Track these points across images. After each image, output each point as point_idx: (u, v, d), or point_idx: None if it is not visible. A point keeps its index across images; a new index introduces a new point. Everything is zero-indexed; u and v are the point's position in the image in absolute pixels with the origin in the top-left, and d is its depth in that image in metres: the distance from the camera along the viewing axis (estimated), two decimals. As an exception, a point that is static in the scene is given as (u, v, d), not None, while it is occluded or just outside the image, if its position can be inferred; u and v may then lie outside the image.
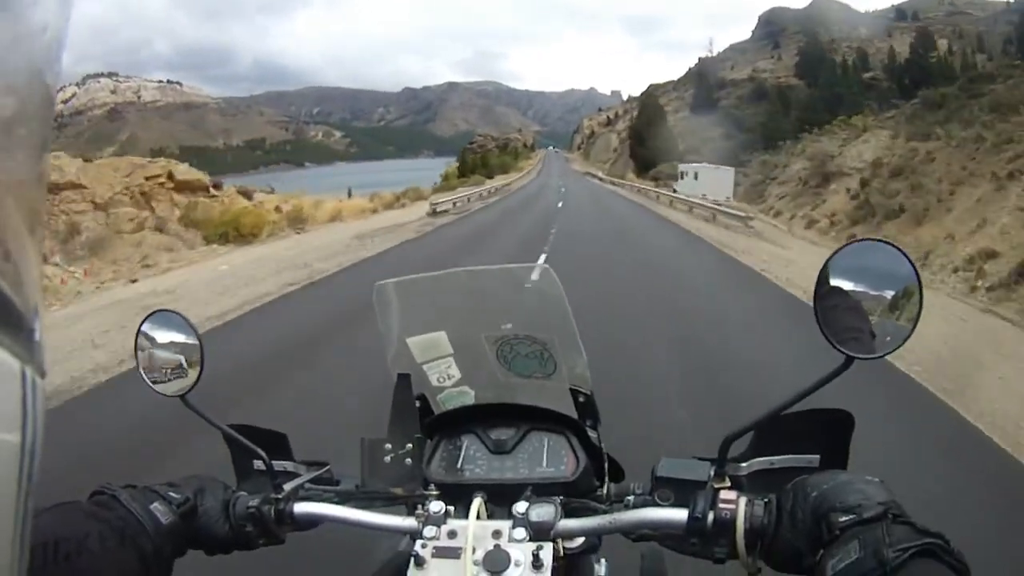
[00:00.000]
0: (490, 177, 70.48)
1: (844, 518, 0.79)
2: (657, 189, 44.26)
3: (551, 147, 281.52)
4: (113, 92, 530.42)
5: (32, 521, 0.35)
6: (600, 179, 74.42)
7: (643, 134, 75.96)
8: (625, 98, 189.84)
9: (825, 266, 0.94)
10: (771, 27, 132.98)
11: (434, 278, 1.26)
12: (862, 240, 0.96)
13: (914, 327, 0.90)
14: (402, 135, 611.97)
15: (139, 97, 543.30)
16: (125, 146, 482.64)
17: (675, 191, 40.41)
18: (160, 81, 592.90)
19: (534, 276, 1.20)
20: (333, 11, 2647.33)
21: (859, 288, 0.92)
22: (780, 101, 68.10)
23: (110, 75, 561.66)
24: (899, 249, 0.92)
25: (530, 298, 1.22)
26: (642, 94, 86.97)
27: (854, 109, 55.98)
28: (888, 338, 0.91)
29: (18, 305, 0.34)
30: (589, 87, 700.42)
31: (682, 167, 51.53)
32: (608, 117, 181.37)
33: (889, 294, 0.91)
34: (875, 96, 66.34)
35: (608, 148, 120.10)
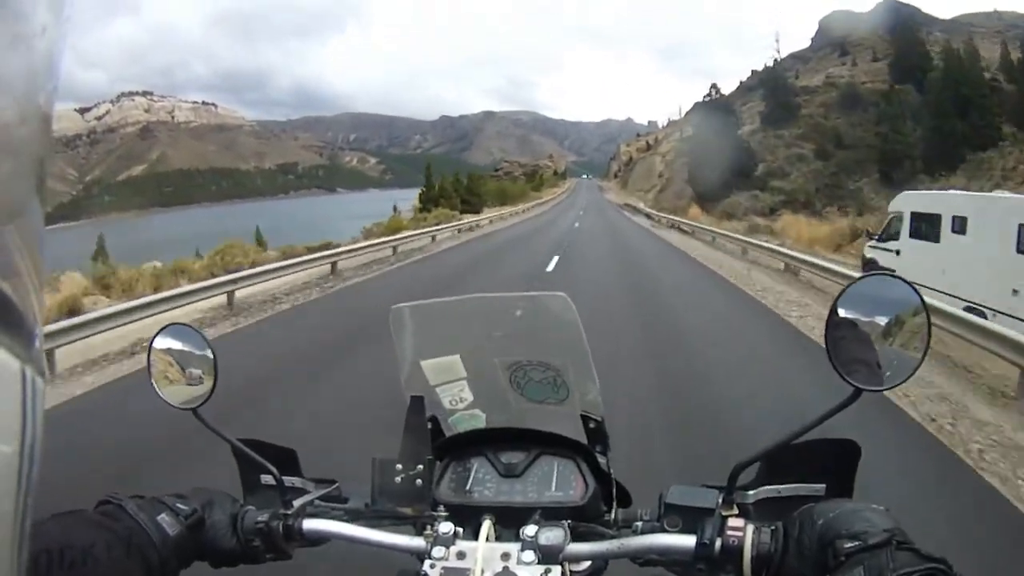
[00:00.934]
0: (473, 210, 50.18)
1: (849, 544, 0.80)
2: (767, 244, 21.23)
3: (584, 176, 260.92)
4: (147, 111, 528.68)
5: (37, 528, 0.35)
6: (646, 215, 48.25)
7: (705, 152, 54.06)
8: (663, 124, 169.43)
9: (836, 299, 0.95)
10: (831, 35, 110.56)
11: (450, 303, 1.27)
12: (873, 274, 0.98)
13: (922, 359, 0.91)
14: (437, 163, 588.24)
15: (173, 117, 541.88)
16: (155, 164, 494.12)
17: (878, 266, 14.20)
18: (195, 102, 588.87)
19: (552, 304, 1.20)
20: (368, 37, 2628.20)
21: (869, 320, 0.94)
22: (892, 107, 47.20)
23: (144, 94, 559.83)
24: (908, 283, 0.93)
25: (545, 324, 1.22)
26: (704, 97, 61.96)
27: (988, 115, 43.66)
28: (895, 370, 0.93)
29: (18, 305, 0.34)
30: (626, 117, 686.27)
31: (903, 204, 14.77)
32: (647, 142, 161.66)
33: (898, 326, 0.93)
34: (1000, 100, 46.07)
35: (651, 174, 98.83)
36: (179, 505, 1.02)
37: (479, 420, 1.31)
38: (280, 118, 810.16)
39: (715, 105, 58.84)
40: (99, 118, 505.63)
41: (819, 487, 1.06)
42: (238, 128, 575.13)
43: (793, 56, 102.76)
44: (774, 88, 56.08)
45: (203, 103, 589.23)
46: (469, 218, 40.17)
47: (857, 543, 0.80)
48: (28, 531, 0.35)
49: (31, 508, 0.35)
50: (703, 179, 49.07)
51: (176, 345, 1.20)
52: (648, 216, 46.35)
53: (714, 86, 60.39)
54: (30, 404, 0.35)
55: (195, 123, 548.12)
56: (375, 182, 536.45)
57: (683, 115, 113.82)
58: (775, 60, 67.55)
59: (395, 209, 46.68)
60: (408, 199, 64.93)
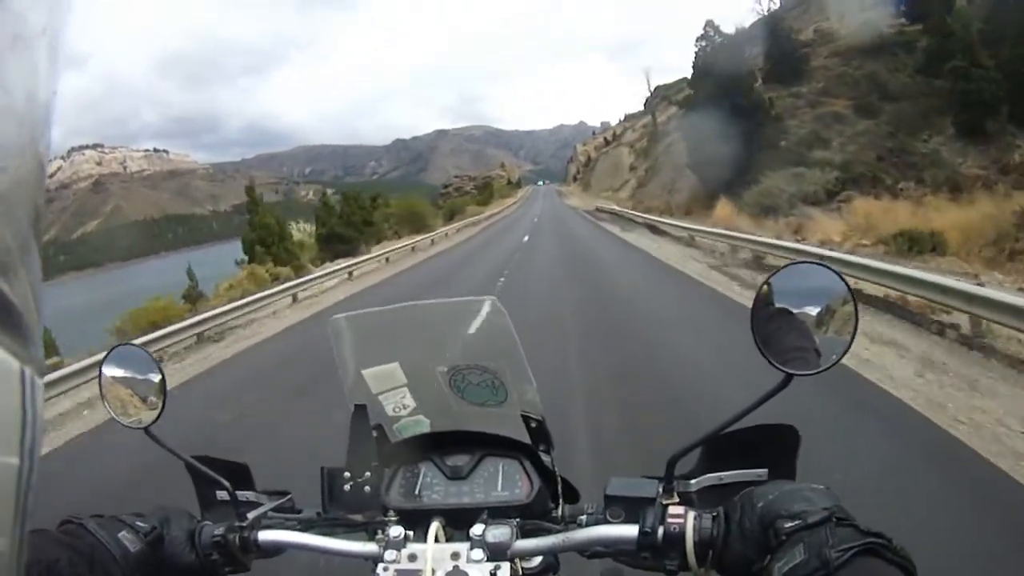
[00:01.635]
0: (367, 248, 32.93)
1: (789, 524, 0.81)
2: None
3: (540, 182, 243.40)
4: (99, 164, 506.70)
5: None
6: (631, 224, 31.87)
7: (711, 120, 34.96)
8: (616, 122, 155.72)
9: (762, 287, 0.96)
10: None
11: (386, 312, 1.27)
12: (799, 262, 0.99)
13: (850, 343, 0.92)
14: (394, 188, 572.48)
15: (125, 167, 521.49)
16: (109, 218, 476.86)
17: None
18: (147, 150, 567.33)
19: (484, 308, 1.21)
20: (315, 70, 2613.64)
21: (796, 307, 0.94)
22: (949, 39, 33.18)
23: (95, 147, 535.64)
24: (833, 270, 0.94)
25: (480, 329, 1.22)
26: (699, 43, 41.39)
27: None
28: (824, 355, 0.93)
29: (18, 305, 0.33)
30: (578, 120, 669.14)
31: None
32: (605, 138, 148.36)
33: (825, 313, 0.94)
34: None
35: (619, 169, 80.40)
36: (138, 523, 1.03)
37: (423, 425, 1.31)
38: (235, 158, 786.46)
39: (720, 51, 41.57)
40: (51, 175, 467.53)
41: (761, 472, 1.08)
42: (191, 173, 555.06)
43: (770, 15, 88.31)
44: (776, 38, 41.08)
45: (154, 150, 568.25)
46: (327, 269, 23.59)
47: (797, 522, 0.80)
48: (27, 529, 0.35)
49: (31, 510, 0.35)
50: (710, 160, 32.96)
51: (126, 366, 1.22)
52: (654, 229, 26.86)
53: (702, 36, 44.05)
54: (30, 405, 0.34)
55: (148, 171, 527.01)
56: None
57: (646, 105, 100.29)
58: (768, 10, 51.49)
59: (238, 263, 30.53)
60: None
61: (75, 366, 10.30)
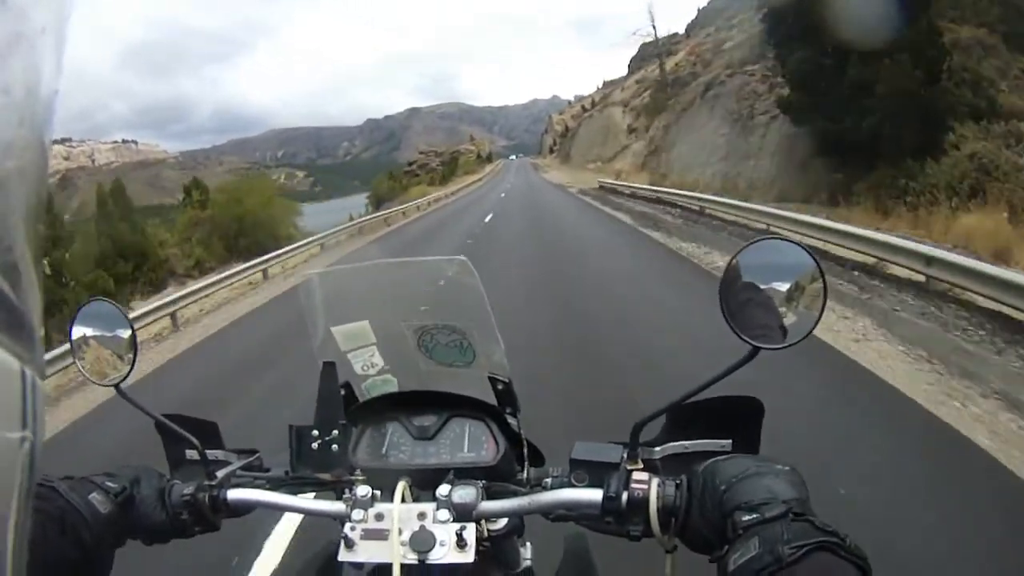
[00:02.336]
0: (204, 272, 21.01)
1: (747, 517, 0.81)
2: None
3: (512, 156, 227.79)
4: (67, 158, 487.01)
5: None
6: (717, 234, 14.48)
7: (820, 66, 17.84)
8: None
9: (731, 262, 0.95)
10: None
11: (357, 269, 1.29)
12: (766, 238, 0.98)
13: (818, 319, 0.92)
14: (367, 168, 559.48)
15: (93, 161, 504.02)
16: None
17: None
18: (115, 142, 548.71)
19: (454, 268, 1.20)
20: (282, 53, 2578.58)
21: (764, 282, 0.94)
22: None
23: (63, 141, 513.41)
24: (801, 245, 0.94)
25: (449, 289, 1.23)
26: None
27: None
28: (791, 329, 0.93)
29: (18, 305, 0.33)
30: (551, 95, 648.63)
31: None
32: (583, 106, 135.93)
33: (793, 288, 0.93)
34: None
35: (610, 133, 61.23)
36: (108, 484, 1.02)
37: (391, 384, 1.32)
38: (206, 145, 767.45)
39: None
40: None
41: (725, 442, 1.08)
42: (161, 163, 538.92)
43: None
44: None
45: (123, 141, 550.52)
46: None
47: (755, 516, 0.80)
48: (28, 528, 0.34)
49: (31, 509, 0.34)
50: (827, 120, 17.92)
51: (97, 322, 1.18)
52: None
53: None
54: (30, 405, 0.34)
55: (116, 163, 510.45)
56: (305, 196, 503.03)
57: (630, 65, 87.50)
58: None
59: None
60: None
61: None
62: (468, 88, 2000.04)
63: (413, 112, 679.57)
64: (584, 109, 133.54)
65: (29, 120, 0.33)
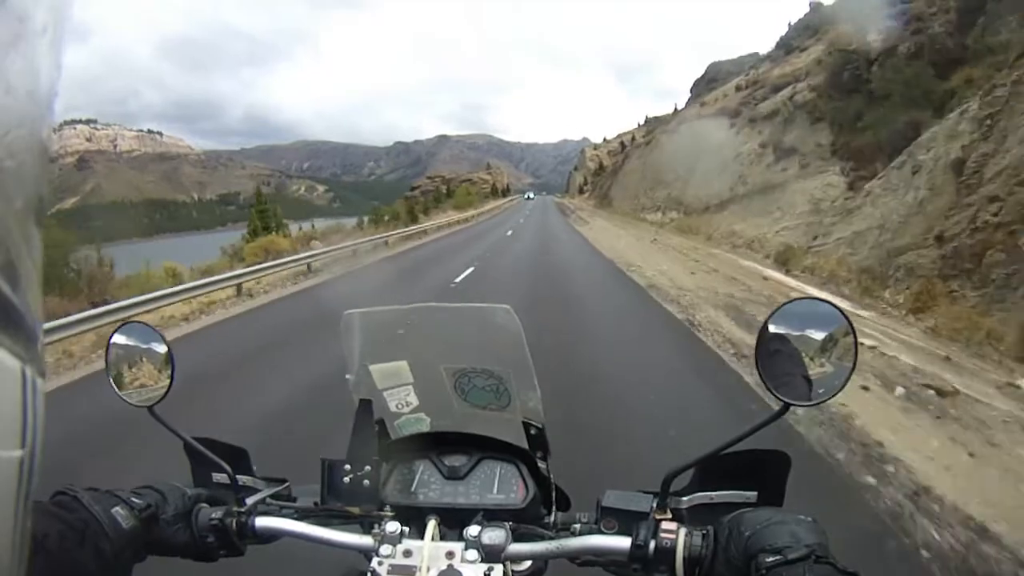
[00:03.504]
0: None
1: (771, 559, 0.81)
2: None
3: (528, 195, 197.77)
4: (88, 140, 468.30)
5: None
6: None
7: None
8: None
9: (769, 318, 0.96)
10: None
11: (400, 311, 1.27)
12: (803, 298, 0.99)
13: (848, 377, 0.91)
14: (389, 190, 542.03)
15: (115, 146, 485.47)
16: (88, 197, 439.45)
17: None
18: (140, 130, 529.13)
19: (497, 316, 1.20)
20: (320, 65, 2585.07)
21: (797, 340, 0.94)
22: None
23: (88, 122, 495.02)
24: (836, 306, 0.94)
25: (490, 334, 1.21)
26: None
27: None
28: (824, 386, 0.93)
29: (18, 306, 0.32)
30: (582, 137, 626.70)
31: None
32: (622, 142, 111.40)
33: (827, 345, 0.93)
34: None
35: (704, 161, 31.76)
36: (133, 499, 1.00)
37: (423, 424, 1.31)
38: (234, 147, 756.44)
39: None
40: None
41: (751, 494, 1.07)
42: (182, 157, 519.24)
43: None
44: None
45: (148, 131, 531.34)
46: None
47: (778, 557, 0.80)
48: (28, 530, 0.34)
49: (31, 508, 0.34)
50: None
51: (133, 343, 1.18)
52: None
53: None
54: (31, 404, 0.33)
55: (137, 152, 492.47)
56: (322, 210, 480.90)
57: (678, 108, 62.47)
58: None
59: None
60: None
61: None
62: (499, 121, 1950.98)
63: (442, 140, 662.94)
64: (623, 146, 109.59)
65: (29, 120, 0.33)
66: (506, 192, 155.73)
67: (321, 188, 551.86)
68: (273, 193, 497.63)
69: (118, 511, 0.95)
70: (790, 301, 0.96)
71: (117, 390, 1.16)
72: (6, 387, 0.32)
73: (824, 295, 9.37)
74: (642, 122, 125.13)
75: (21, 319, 0.33)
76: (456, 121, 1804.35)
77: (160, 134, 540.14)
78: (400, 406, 1.29)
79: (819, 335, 0.93)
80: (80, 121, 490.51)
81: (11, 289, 0.32)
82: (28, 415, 0.33)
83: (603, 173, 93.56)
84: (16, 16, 0.31)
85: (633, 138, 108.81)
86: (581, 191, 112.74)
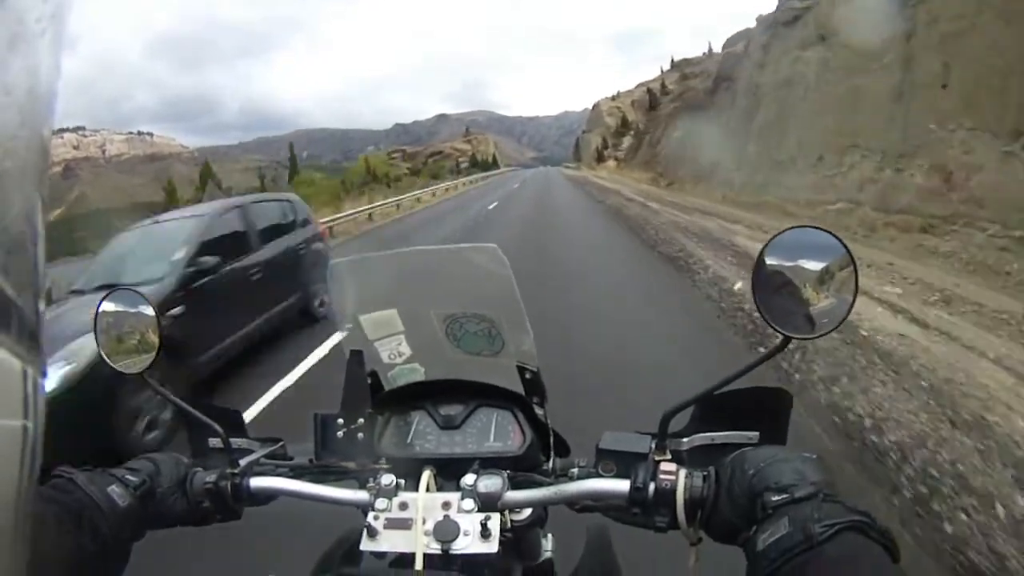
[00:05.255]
0: None
1: (777, 497, 0.78)
2: None
3: (515, 168, 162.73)
4: (76, 147, 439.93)
5: None
6: None
7: None
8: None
9: (762, 251, 0.89)
10: None
11: (386, 257, 1.24)
12: (797, 227, 0.92)
13: (850, 308, 0.86)
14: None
15: (103, 151, 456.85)
16: (73, 206, 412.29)
17: None
18: (130, 133, 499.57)
19: (484, 256, 1.16)
20: (314, 53, 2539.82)
21: (796, 271, 0.88)
22: None
23: (76, 129, 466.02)
24: (833, 234, 0.88)
25: (479, 276, 1.17)
26: None
27: None
28: (824, 317, 0.87)
29: (20, 306, 0.32)
30: (583, 108, 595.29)
31: None
32: (649, 89, 76.91)
33: (826, 275, 0.87)
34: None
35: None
36: (128, 476, 0.98)
37: (418, 373, 1.27)
38: (233, 141, 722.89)
39: None
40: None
41: (752, 435, 1.02)
42: (174, 157, 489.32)
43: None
44: None
45: (138, 133, 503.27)
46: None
47: (785, 496, 0.77)
48: (29, 529, 0.33)
49: (32, 507, 0.33)
50: None
51: (121, 309, 1.13)
52: None
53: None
54: (31, 404, 0.33)
55: (127, 155, 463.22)
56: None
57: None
58: None
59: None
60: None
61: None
62: (499, 97, 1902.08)
63: (441, 119, 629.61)
64: (654, 95, 74.83)
65: (29, 120, 0.32)
66: (487, 165, 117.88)
67: (319, 176, 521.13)
68: (271, 185, 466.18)
69: (114, 490, 0.92)
70: (786, 230, 0.89)
71: (106, 356, 1.11)
72: (7, 387, 0.31)
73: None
74: (667, 67, 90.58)
75: (21, 319, 0.32)
76: (456, 100, 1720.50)
77: (151, 135, 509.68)
78: (392, 356, 1.23)
79: (817, 265, 0.86)
80: (67, 129, 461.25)
81: (11, 289, 0.31)
82: (29, 415, 0.33)
83: (632, 130, 59.00)
84: (16, 15, 0.31)
85: (663, 85, 74.65)
86: (600, 157, 76.89)
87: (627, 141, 74.31)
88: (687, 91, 50.94)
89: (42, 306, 0.35)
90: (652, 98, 73.32)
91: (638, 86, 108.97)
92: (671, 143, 40.13)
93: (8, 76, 0.30)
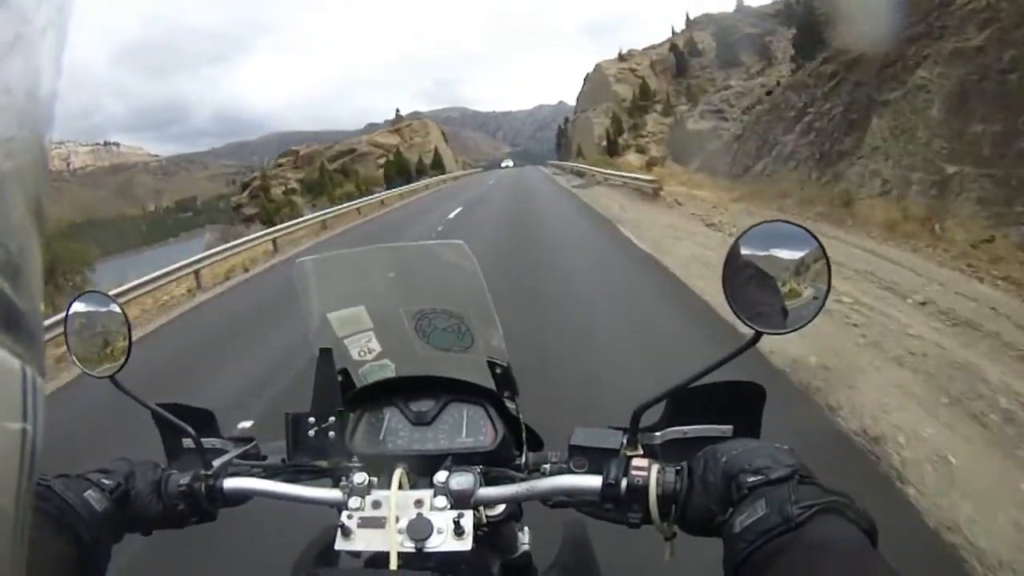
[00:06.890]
0: None
1: (752, 478, 0.76)
2: None
3: (507, 163, 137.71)
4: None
5: None
6: None
7: None
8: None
9: (735, 245, 0.87)
10: None
11: (353, 254, 1.19)
12: (771, 221, 0.89)
13: (822, 304, 0.84)
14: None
15: (68, 164, 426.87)
16: None
17: None
18: (96, 144, 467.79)
19: (451, 252, 1.12)
20: (285, 55, 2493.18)
21: (766, 265, 0.86)
22: None
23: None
24: (803, 227, 0.85)
25: (446, 273, 1.14)
26: None
27: None
28: (796, 312, 0.85)
29: (19, 305, 0.31)
30: (558, 100, 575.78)
31: None
32: (673, 45, 51.66)
33: (797, 270, 0.85)
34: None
35: None
36: (103, 480, 0.95)
37: (388, 370, 1.23)
38: (205, 148, 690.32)
39: None
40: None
41: (726, 428, 1.01)
42: (140, 166, 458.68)
43: None
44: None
45: (104, 144, 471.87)
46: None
47: (760, 477, 0.75)
48: (27, 534, 0.32)
49: (31, 510, 0.33)
50: None
51: (92, 314, 1.11)
52: None
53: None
54: (31, 405, 0.32)
55: (92, 167, 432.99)
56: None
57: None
58: None
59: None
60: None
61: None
62: (472, 94, 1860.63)
63: (414, 116, 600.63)
64: (679, 51, 50.03)
65: (29, 120, 0.31)
66: (421, 172, 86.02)
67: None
68: (238, 192, 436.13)
69: (91, 495, 0.90)
70: (758, 224, 0.87)
71: (76, 361, 1.09)
72: (7, 387, 0.30)
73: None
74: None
75: (21, 319, 0.31)
76: (428, 97, 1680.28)
77: (117, 145, 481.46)
78: (362, 353, 1.20)
79: (790, 258, 0.84)
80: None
81: (11, 289, 0.30)
82: (29, 416, 0.32)
83: (660, 104, 35.30)
84: (16, 15, 0.30)
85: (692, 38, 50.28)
86: (613, 149, 51.11)
87: (651, 122, 48.56)
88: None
89: (42, 306, 0.34)
90: (680, 60, 47.86)
91: (647, 49, 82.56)
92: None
93: (7, 76, 0.30)
